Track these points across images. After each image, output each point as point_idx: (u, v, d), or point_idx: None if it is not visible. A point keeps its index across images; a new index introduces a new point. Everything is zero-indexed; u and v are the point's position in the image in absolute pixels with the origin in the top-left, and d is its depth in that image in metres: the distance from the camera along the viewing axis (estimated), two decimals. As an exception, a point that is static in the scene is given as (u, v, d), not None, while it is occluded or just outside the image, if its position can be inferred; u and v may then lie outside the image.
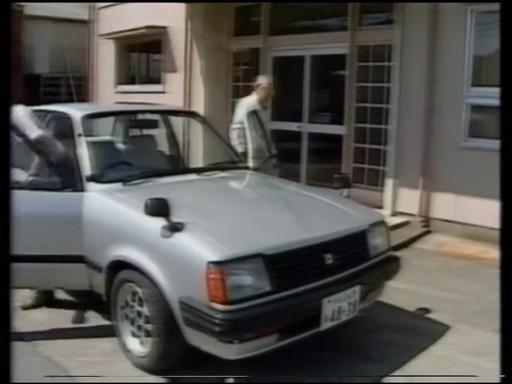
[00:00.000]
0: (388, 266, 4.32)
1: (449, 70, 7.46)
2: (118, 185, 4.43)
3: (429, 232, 7.62)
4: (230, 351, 3.46)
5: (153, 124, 6.06)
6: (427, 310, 4.98)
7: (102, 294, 4.21)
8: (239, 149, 6.28)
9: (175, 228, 3.59)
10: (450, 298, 5.29)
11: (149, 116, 6.06)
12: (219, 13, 10.68)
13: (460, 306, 5.12)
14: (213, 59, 10.89)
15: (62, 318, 4.74)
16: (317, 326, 3.70)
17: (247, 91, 10.61)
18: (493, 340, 4.16)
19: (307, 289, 3.65)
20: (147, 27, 11.67)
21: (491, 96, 6.67)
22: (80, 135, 4.65)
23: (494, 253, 6.18)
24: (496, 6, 6.01)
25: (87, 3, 14.12)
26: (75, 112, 4.89)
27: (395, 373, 3.93)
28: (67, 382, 3.75)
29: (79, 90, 16.14)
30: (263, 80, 6.92)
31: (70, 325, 4.65)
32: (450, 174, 7.42)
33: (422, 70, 7.67)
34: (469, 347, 4.35)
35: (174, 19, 11.25)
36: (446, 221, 7.51)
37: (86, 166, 4.46)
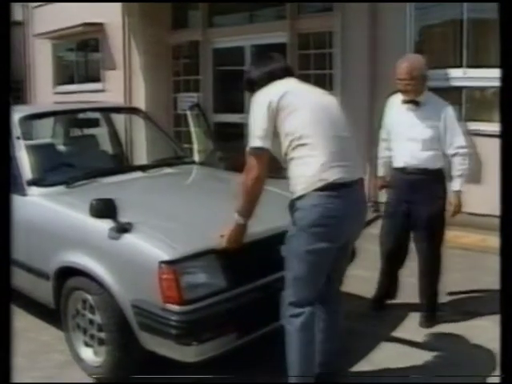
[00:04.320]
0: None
1: (391, 54, 7.44)
2: (61, 187, 4.29)
3: (379, 217, 7.61)
4: (188, 354, 3.33)
5: (94, 123, 5.91)
6: (386, 296, 4.95)
7: (50, 303, 4.05)
8: (380, 172, 4.84)
9: (123, 229, 3.45)
10: (407, 283, 5.27)
11: (89, 115, 5.90)
12: (156, 7, 10.48)
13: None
14: (152, 54, 10.71)
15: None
16: (276, 321, 3.60)
17: (187, 85, 10.60)
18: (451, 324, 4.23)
19: (264, 283, 3.57)
20: (84, 24, 11.43)
21: (434, 78, 6.70)
22: (18, 138, 4.46)
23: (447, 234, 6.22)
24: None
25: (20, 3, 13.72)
26: (12, 114, 4.67)
27: (360, 362, 3.89)
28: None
29: (16, 94, 15.72)
30: (399, 65, 4.41)
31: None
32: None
33: (363, 55, 7.66)
34: (428, 331, 4.37)
35: (110, 15, 11.03)
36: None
37: (26, 170, 4.30)
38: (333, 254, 3.21)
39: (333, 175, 3.08)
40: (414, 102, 4.39)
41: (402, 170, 4.47)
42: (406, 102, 4.43)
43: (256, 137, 3.14)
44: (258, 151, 3.14)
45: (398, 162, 4.51)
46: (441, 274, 4.55)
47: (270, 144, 3.14)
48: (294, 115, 3.14)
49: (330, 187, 3.06)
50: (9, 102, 2.65)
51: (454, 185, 4.35)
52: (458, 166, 4.33)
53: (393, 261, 4.67)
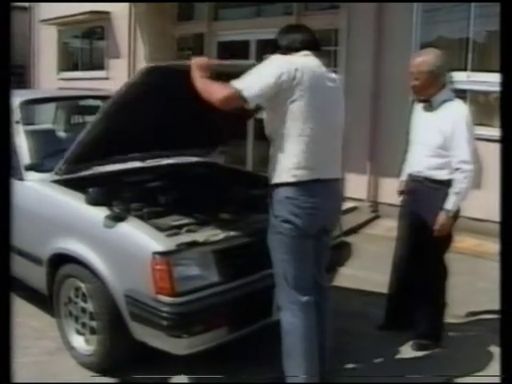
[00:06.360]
0: (339, 251, 4.24)
1: (395, 55, 7.45)
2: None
3: (377, 217, 7.61)
4: (178, 346, 3.32)
5: (95, 110, 5.86)
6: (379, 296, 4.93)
7: (43, 289, 4.04)
8: (402, 176, 4.38)
9: (119, 217, 3.43)
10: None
11: (91, 102, 5.86)
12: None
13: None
14: (156, 44, 10.71)
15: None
16: (268, 316, 3.60)
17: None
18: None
19: (257, 278, 3.55)
20: (90, 12, 11.41)
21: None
22: (18, 122, 4.43)
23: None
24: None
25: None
26: (12, 98, 4.65)
27: (359, 365, 3.88)
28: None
29: (20, 79, 15.71)
30: (411, 58, 4.05)
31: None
32: (397, 159, 7.40)
33: (368, 54, 7.66)
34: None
35: (117, 4, 10.99)
36: (394, 205, 7.49)
37: (25, 155, 4.27)
38: (311, 244, 3.26)
39: (305, 176, 3.13)
40: (427, 102, 3.97)
41: (409, 176, 4.16)
42: (420, 101, 4.05)
43: (252, 88, 3.06)
44: (240, 97, 3.04)
45: (408, 167, 4.22)
46: (444, 307, 4.14)
47: (253, 104, 3.13)
48: (293, 99, 3.11)
49: (301, 183, 3.13)
50: (9, 98, 2.62)
51: (447, 202, 3.80)
52: (457, 183, 3.77)
53: (402, 271, 4.27)
